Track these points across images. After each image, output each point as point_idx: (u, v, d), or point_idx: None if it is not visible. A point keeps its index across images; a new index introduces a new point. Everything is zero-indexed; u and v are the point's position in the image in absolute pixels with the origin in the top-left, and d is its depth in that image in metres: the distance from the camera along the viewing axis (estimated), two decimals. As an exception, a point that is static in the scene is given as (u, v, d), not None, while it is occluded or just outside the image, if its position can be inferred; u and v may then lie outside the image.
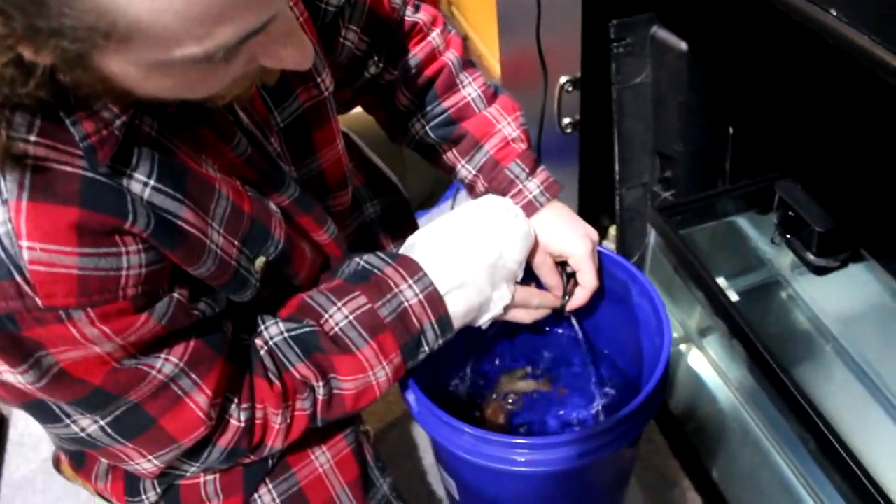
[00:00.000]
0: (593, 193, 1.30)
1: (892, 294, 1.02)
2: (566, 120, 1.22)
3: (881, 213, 0.99)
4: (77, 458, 0.82)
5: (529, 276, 0.85)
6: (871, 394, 0.96)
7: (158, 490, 0.77)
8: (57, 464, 0.89)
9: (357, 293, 0.73)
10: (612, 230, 1.29)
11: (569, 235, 0.84)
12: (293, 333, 0.72)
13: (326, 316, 0.72)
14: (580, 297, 0.86)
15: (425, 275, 0.74)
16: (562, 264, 0.87)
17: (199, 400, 0.65)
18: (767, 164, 1.09)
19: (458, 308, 0.75)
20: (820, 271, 1.03)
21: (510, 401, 1.01)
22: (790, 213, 1.02)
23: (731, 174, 1.15)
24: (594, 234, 0.86)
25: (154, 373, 0.62)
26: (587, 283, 0.85)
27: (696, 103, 1.10)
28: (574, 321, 0.92)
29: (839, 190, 1.01)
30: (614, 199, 1.24)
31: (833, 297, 1.03)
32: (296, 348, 0.71)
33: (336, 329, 0.72)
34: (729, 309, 0.90)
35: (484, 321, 0.79)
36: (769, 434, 0.97)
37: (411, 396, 0.81)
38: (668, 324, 0.83)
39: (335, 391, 0.72)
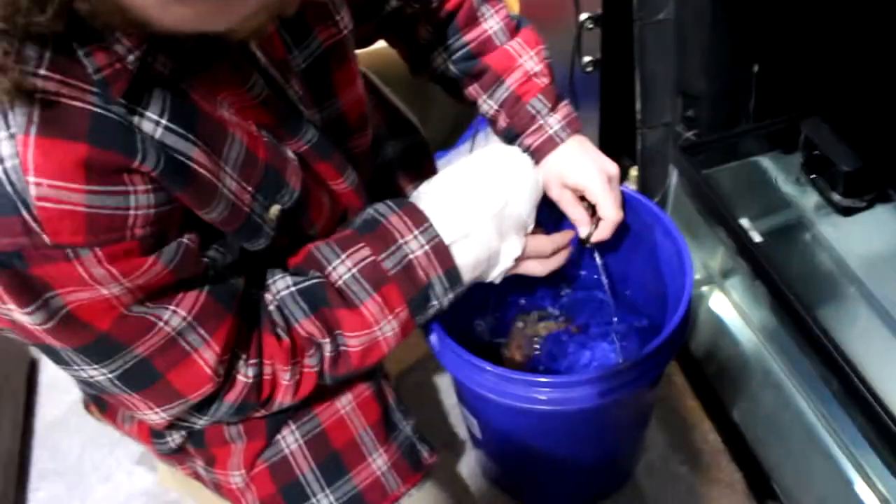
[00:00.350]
0: (614, 134, 1.27)
1: (919, 234, 1.00)
2: (586, 58, 1.19)
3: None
4: (100, 402, 0.83)
5: (545, 226, 0.84)
6: (895, 335, 0.95)
7: (183, 432, 0.78)
8: (87, 405, 0.90)
9: (361, 244, 0.72)
10: (634, 171, 1.26)
11: (586, 168, 0.83)
12: (300, 287, 0.71)
13: (330, 268, 0.72)
14: (604, 230, 0.85)
15: (431, 225, 0.73)
16: (586, 201, 0.86)
17: (208, 356, 0.65)
18: (793, 103, 1.06)
19: (466, 260, 0.74)
20: (845, 212, 1.01)
21: (533, 342, 1.01)
22: (815, 152, 1.00)
23: (756, 114, 1.12)
24: (613, 168, 0.84)
25: (161, 324, 0.61)
26: (608, 215, 0.83)
27: (720, 40, 1.07)
28: (597, 259, 0.91)
29: (866, 129, 0.99)
30: (635, 139, 1.21)
31: (858, 238, 1.02)
32: (302, 303, 0.71)
33: (340, 282, 0.71)
34: (752, 250, 0.89)
35: (495, 275, 0.79)
36: (791, 376, 0.97)
37: (434, 336, 0.81)
38: (690, 264, 0.82)
39: (341, 348, 0.72)
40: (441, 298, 0.74)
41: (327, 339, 0.71)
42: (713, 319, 1.15)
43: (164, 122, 0.56)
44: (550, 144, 0.84)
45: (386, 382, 0.86)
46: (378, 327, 0.72)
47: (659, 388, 0.95)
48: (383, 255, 0.72)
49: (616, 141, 1.29)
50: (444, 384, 1.19)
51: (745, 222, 1.07)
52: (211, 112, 0.60)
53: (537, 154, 0.84)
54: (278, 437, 0.78)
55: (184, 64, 0.58)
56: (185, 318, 0.63)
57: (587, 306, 1.01)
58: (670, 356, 0.79)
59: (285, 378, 0.70)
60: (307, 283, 0.71)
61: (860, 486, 0.85)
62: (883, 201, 1.02)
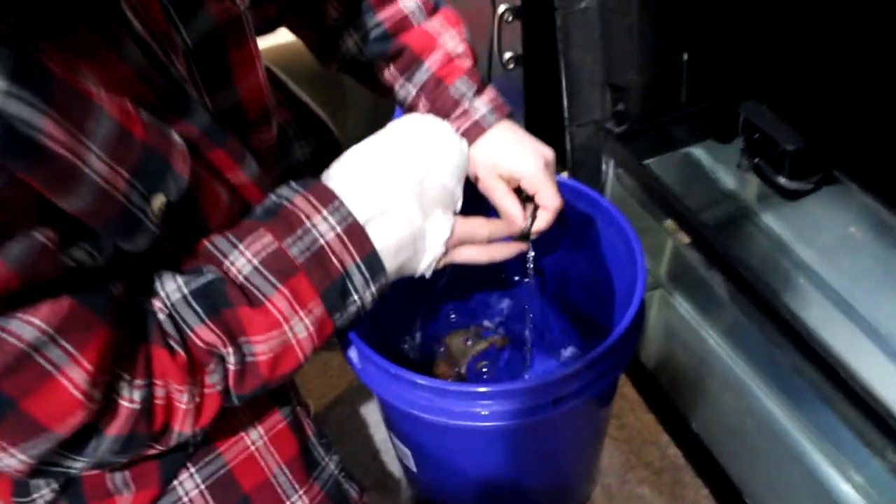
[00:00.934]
0: (541, 134, 1.18)
1: (868, 216, 0.95)
2: (507, 55, 1.11)
3: (854, 130, 0.91)
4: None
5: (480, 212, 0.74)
6: (854, 323, 0.88)
7: (56, 486, 0.64)
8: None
9: (263, 231, 0.61)
10: (565, 175, 1.19)
11: (519, 153, 0.74)
12: (193, 287, 0.59)
13: (228, 262, 0.60)
14: (543, 219, 0.75)
15: (342, 204, 0.62)
16: (519, 192, 0.77)
17: (75, 376, 0.51)
18: (726, 89, 1.00)
19: (386, 241, 0.63)
20: (792, 195, 0.95)
21: (466, 360, 0.90)
22: (756, 135, 0.94)
23: (689, 104, 1.06)
24: (550, 152, 0.76)
25: (10, 339, 0.48)
26: (548, 202, 0.74)
27: (648, 27, 1.01)
28: (530, 262, 0.81)
29: (806, 110, 0.93)
30: (564, 139, 1.14)
31: (806, 223, 0.96)
32: (197, 306, 0.58)
33: (241, 277, 0.60)
34: (706, 236, 0.81)
35: (425, 265, 0.68)
36: (754, 375, 0.89)
37: (353, 351, 0.70)
38: (641, 251, 0.74)
39: (248, 358, 0.59)
40: (361, 292, 0.63)
41: (230, 349, 0.58)
42: (662, 325, 1.07)
43: (2, 85, 0.44)
44: (478, 129, 0.75)
45: (303, 412, 0.74)
46: (288, 327, 0.60)
47: (612, 403, 0.85)
48: (289, 241, 0.60)
49: (543, 142, 1.21)
50: (373, 418, 1.06)
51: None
52: (70, 80, 0.48)
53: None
54: (174, 483, 0.65)
55: (36, 23, 0.46)
56: (43, 330, 0.49)
57: (526, 317, 0.92)
58: (626, 357, 0.69)
59: (182, 400, 0.57)
60: (202, 282, 0.59)
61: (842, 485, 0.77)
62: (829, 183, 0.96)
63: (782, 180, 0.93)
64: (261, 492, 0.67)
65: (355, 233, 0.62)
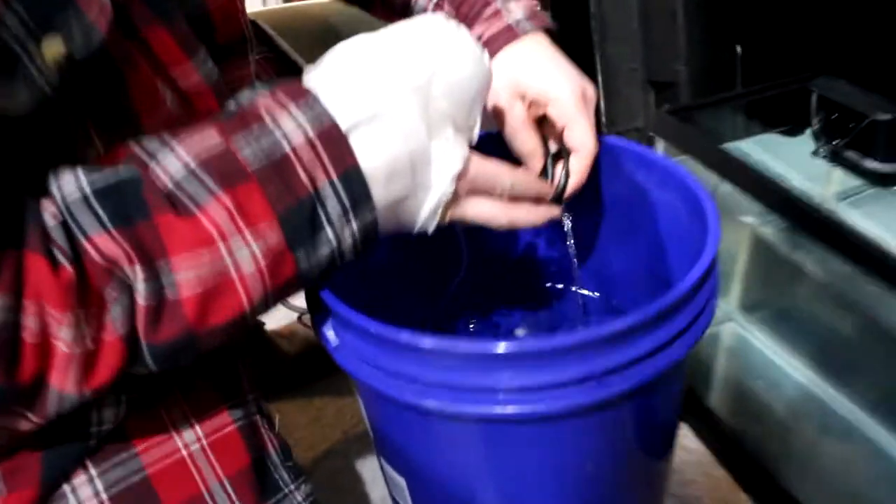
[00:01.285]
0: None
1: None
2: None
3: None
4: None
5: None
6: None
7: None
8: None
9: (207, 129, 0.45)
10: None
11: (551, 71, 0.59)
12: (99, 185, 0.42)
13: (154, 163, 0.44)
14: (578, 171, 0.58)
15: (317, 101, 0.45)
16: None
17: None
18: (792, 70, 0.85)
19: (375, 159, 0.46)
20: (885, 180, 0.77)
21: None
22: (834, 115, 0.78)
23: (745, 94, 0.90)
24: (590, 85, 0.60)
25: None
26: (581, 141, 0.58)
27: (694, 7, 0.88)
28: (566, 225, 0.63)
29: (889, 85, 0.77)
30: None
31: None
32: (98, 208, 0.41)
33: (170, 183, 0.43)
34: (821, 211, 0.63)
35: (428, 210, 0.50)
36: (864, 412, 0.68)
37: (327, 325, 0.52)
38: (712, 206, 0.56)
39: (166, 290, 0.42)
40: (338, 227, 0.45)
41: (139, 270, 0.41)
42: (735, 365, 0.87)
43: None
44: (508, 35, 0.60)
45: (264, 421, 0.56)
46: (226, 249, 0.42)
47: (673, 451, 0.64)
48: (241, 142, 0.44)
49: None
50: (369, 473, 0.85)
51: (750, 220, 0.82)
52: None
53: (488, 47, 0.59)
54: (65, 487, 0.47)
55: None
56: None
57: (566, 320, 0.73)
58: (697, 329, 0.50)
59: (64, 338, 0.39)
60: (112, 180, 0.42)
61: None
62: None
63: (873, 164, 0.76)
64: (188, 512, 0.48)
65: (333, 140, 0.45)
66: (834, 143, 0.78)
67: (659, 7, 0.89)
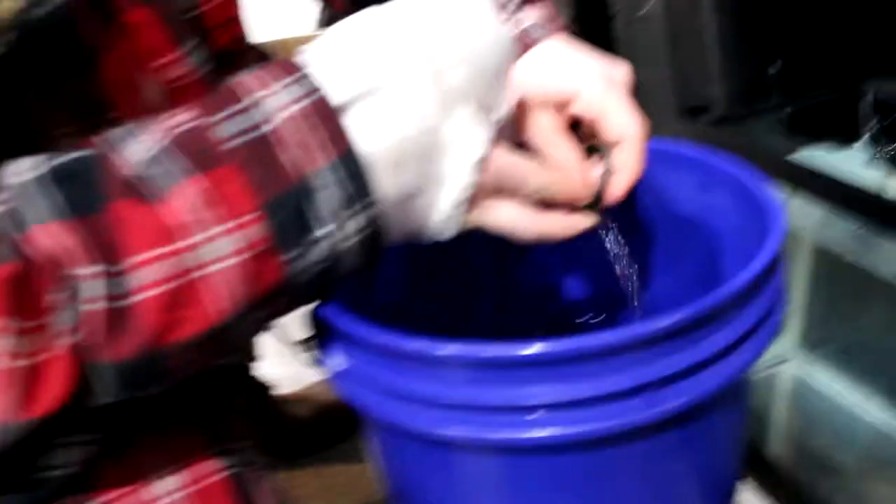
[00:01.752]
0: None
1: None
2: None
3: None
4: None
5: None
6: None
7: None
8: None
9: (182, 113, 0.38)
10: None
11: (568, 66, 0.52)
12: (48, 170, 0.36)
13: (117, 151, 0.37)
14: (628, 165, 0.51)
15: (306, 74, 0.39)
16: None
17: None
18: (839, 76, 0.78)
19: (377, 142, 0.39)
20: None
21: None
22: (890, 118, 0.71)
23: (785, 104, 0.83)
24: (619, 68, 0.53)
25: None
26: (622, 129, 0.50)
27: (727, 24, 0.82)
28: (609, 241, 0.55)
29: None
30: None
31: None
32: (45, 195, 0.35)
33: (131, 168, 0.36)
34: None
35: (445, 207, 0.42)
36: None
37: (326, 346, 0.45)
38: (771, 198, 0.48)
39: (124, 290, 0.34)
40: (330, 224, 0.38)
41: (91, 267, 0.34)
42: (796, 411, 0.78)
43: None
44: (522, 43, 0.54)
45: (258, 475, 0.48)
46: (196, 240, 0.35)
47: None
48: (217, 116, 0.37)
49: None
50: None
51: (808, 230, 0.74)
52: None
53: None
54: None
55: None
56: None
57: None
58: (764, 335, 0.42)
59: (1, 349, 0.33)
60: (66, 164, 0.36)
61: None
62: None
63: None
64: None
65: (323, 117, 0.38)
66: (893, 146, 0.71)
67: (688, 28, 0.84)
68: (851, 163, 0.73)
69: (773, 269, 0.42)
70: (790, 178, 0.67)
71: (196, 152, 0.36)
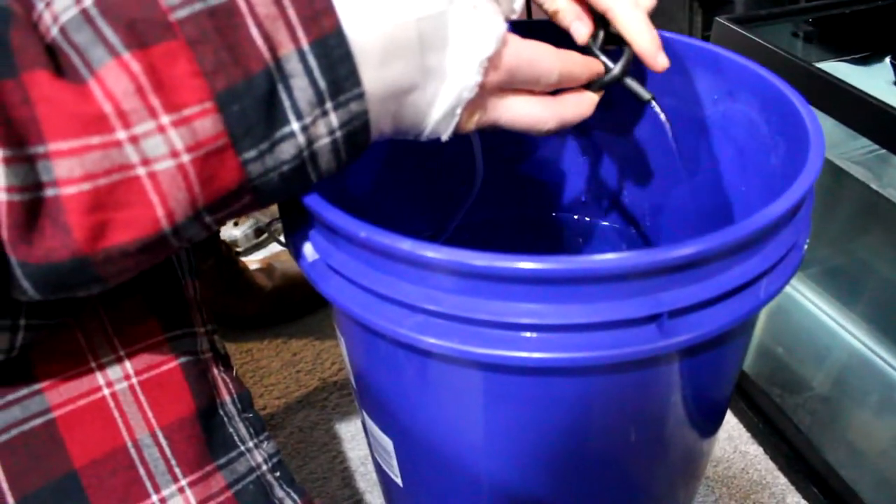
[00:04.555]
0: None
1: None
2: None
3: None
4: None
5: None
6: None
7: None
8: None
9: None
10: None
11: None
12: None
13: (40, 7, 0.31)
14: (645, 44, 0.45)
15: None
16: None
17: None
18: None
19: (368, 26, 0.33)
20: None
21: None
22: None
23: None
24: None
25: None
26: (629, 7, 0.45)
27: None
28: (659, 111, 0.49)
29: None
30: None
31: None
32: None
33: (53, 29, 0.30)
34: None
35: (445, 105, 0.37)
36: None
37: (302, 231, 0.40)
38: (809, 111, 0.43)
39: (41, 179, 0.29)
40: (307, 117, 0.33)
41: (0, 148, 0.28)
42: (777, 323, 0.76)
43: None
44: None
45: (218, 360, 0.44)
46: (129, 131, 0.30)
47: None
48: None
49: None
50: (349, 429, 0.73)
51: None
52: None
53: None
54: None
55: None
56: None
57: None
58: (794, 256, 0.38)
59: None
60: None
61: None
62: None
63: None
64: (105, 468, 0.37)
65: None
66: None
67: None
68: (878, 82, 0.68)
69: (804, 201, 0.37)
70: (805, 89, 0.62)
71: (133, 21, 0.30)
